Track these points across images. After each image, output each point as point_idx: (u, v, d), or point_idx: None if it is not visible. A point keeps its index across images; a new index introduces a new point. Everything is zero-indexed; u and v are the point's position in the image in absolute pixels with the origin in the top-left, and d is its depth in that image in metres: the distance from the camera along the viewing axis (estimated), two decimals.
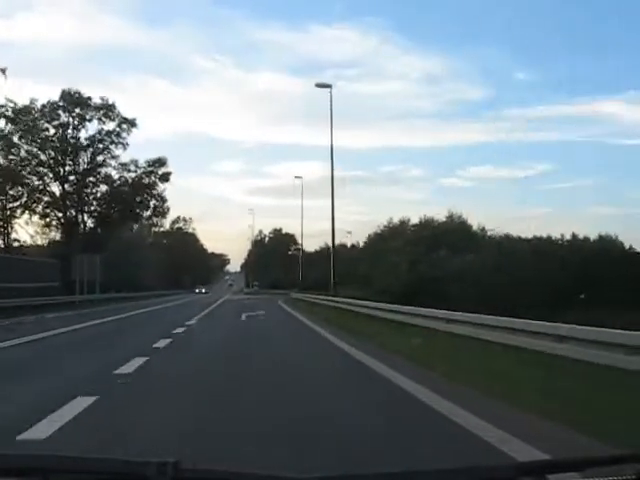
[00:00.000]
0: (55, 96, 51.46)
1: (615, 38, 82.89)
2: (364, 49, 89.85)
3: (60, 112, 51.58)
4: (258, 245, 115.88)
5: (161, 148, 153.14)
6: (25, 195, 51.34)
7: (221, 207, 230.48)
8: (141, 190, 56.40)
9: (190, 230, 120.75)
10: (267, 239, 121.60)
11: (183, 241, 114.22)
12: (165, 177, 56.95)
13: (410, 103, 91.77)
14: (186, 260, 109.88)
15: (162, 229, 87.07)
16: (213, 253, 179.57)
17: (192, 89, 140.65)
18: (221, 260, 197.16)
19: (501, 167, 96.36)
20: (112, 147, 53.69)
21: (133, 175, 56.12)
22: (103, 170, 54.68)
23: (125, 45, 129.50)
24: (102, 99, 52.41)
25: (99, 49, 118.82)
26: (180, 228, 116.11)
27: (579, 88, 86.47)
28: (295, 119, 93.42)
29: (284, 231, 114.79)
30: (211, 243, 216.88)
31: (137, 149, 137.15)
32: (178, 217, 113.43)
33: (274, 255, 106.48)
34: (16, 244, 52.06)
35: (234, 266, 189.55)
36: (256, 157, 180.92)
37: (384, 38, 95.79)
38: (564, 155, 79.50)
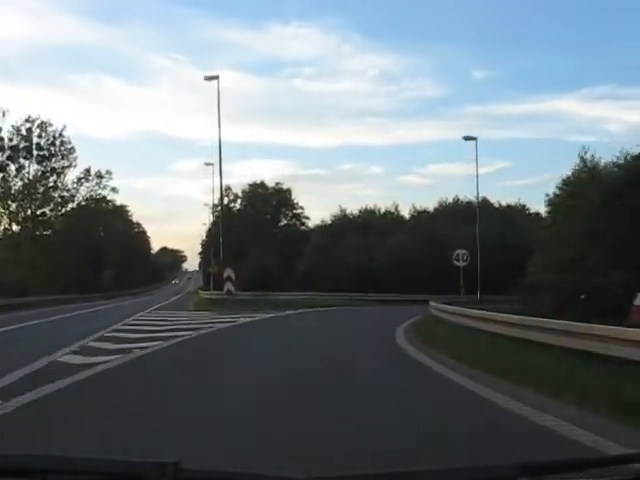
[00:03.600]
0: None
1: (569, 36, 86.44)
2: (323, 48, 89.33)
3: None
4: (224, 218, 64.15)
5: (116, 148, 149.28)
6: None
7: (180, 207, 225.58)
8: None
9: (115, 199, 72.49)
10: (239, 204, 69.48)
11: (98, 218, 69.39)
12: None
13: (368, 101, 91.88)
14: (102, 248, 68.53)
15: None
16: (166, 248, 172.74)
17: (149, 88, 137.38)
18: (177, 257, 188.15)
19: (459, 164, 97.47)
20: None
21: None
22: None
23: (79, 44, 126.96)
24: None
25: (52, 48, 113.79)
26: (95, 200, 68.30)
27: (535, 86, 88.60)
28: (254, 118, 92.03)
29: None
30: (171, 243, 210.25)
31: (89, 149, 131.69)
32: (88, 171, 66.04)
33: (257, 230, 63.25)
34: None
35: (193, 265, 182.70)
36: (215, 156, 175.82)
37: (343, 37, 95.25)
38: (521, 152, 79.86)
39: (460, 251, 33.60)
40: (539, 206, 69.15)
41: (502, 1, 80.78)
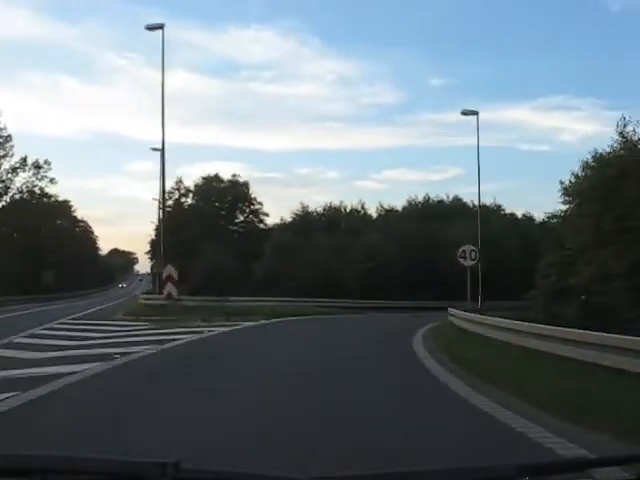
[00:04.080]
0: None
1: (525, 47, 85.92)
2: (281, 51, 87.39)
3: None
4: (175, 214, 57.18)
5: (69, 147, 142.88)
6: None
7: (134, 208, 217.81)
8: None
9: (57, 194, 66.95)
10: (192, 198, 61.58)
11: (37, 213, 61.15)
12: None
13: (326, 106, 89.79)
14: (42, 245, 60.93)
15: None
16: (117, 250, 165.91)
17: (103, 87, 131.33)
18: (129, 259, 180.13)
19: (414, 170, 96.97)
20: None
21: None
22: None
23: (32, 41, 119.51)
24: None
25: (3, 44, 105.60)
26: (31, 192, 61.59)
27: (490, 95, 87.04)
28: (211, 120, 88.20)
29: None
30: (124, 245, 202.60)
31: (39, 147, 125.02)
32: (24, 160, 59.60)
33: (212, 227, 56.05)
34: None
35: (146, 267, 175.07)
36: (170, 158, 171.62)
37: (302, 41, 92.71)
38: (474, 159, 77.96)
39: (467, 247, 27.90)
40: (513, 208, 70.02)
41: (460, 10, 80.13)
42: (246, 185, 59.61)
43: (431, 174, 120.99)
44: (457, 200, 64.07)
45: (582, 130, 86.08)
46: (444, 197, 63.67)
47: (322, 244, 47.67)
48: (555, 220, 27.55)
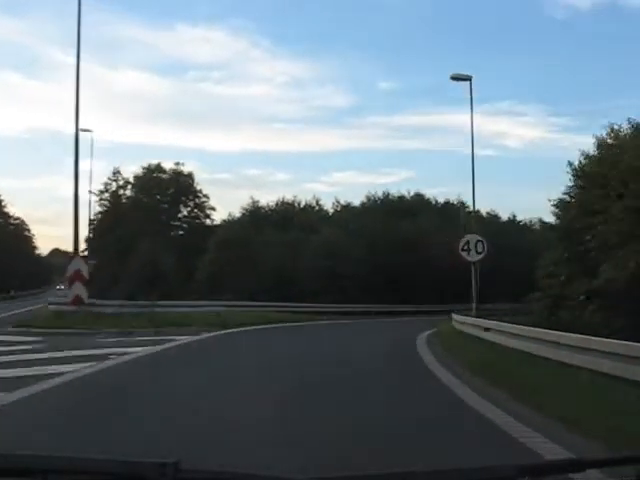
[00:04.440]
0: None
1: (471, 52, 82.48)
2: (232, 51, 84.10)
3: None
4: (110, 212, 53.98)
5: (11, 145, 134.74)
6: None
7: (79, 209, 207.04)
8: None
9: None
10: (131, 190, 55.61)
11: None
12: None
13: (276, 107, 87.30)
14: None
15: None
16: (58, 250, 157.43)
17: (50, 84, 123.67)
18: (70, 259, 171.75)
19: (364, 173, 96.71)
20: None
21: None
22: None
23: None
24: None
25: None
26: None
27: (439, 99, 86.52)
28: (159, 119, 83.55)
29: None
30: (66, 245, 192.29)
31: None
32: None
33: (152, 222, 50.53)
34: None
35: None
36: (118, 157, 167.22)
37: (253, 41, 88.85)
38: (424, 163, 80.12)
39: (471, 237, 21.97)
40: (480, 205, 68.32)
41: (409, 15, 78.57)
42: (190, 176, 54.11)
43: (381, 177, 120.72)
44: (418, 196, 59.65)
45: (527, 135, 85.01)
46: (405, 193, 59.15)
47: (274, 240, 42.68)
48: (558, 209, 22.91)
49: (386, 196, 59.33)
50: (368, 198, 59.50)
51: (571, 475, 1.70)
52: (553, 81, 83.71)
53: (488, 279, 52.89)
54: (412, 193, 59.34)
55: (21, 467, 1.57)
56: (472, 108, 24.51)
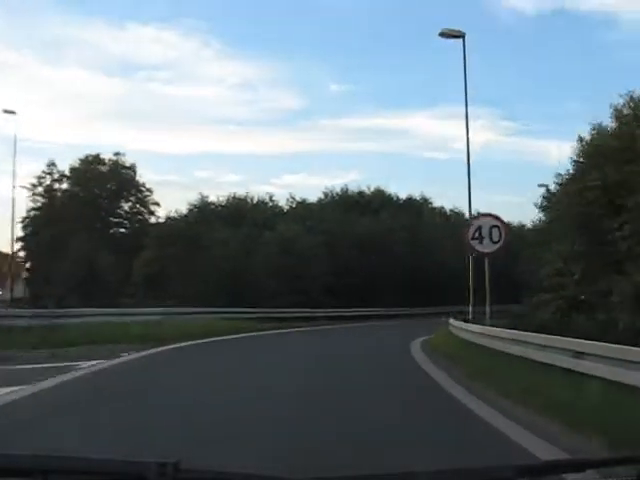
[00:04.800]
0: None
1: (423, 54, 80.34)
2: (182, 52, 79.85)
3: None
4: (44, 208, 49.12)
5: None
6: None
7: (17, 212, 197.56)
8: None
9: None
10: (67, 183, 50.52)
11: None
12: None
13: (227, 109, 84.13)
14: None
15: None
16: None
17: None
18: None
19: (315, 175, 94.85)
20: None
21: None
22: None
23: None
24: None
25: None
26: None
27: (389, 102, 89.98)
28: (107, 120, 78.67)
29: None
30: (6, 249, 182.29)
31: None
32: None
33: (90, 218, 46.14)
34: None
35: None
36: (63, 159, 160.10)
37: (203, 42, 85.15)
38: (374, 165, 79.07)
39: (484, 221, 16.18)
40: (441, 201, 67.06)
41: (360, 17, 78.39)
42: (133, 168, 49.35)
43: (332, 179, 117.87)
44: (379, 192, 55.95)
45: (478, 139, 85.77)
46: (364, 189, 55.40)
47: (225, 237, 38.50)
48: (557, 197, 19.39)
49: (344, 192, 55.68)
50: (325, 194, 55.83)
51: (571, 475, 1.68)
52: (503, 85, 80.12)
53: (456, 281, 49.77)
54: (372, 188, 55.66)
55: (21, 467, 1.57)
56: (465, 69, 20.41)
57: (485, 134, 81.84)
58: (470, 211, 21.02)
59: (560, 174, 22.51)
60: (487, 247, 15.97)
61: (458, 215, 57.20)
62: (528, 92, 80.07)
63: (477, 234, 15.64)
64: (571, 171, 20.19)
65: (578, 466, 1.71)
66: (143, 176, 50.27)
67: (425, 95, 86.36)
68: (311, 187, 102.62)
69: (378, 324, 32.89)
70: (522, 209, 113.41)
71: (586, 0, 78.14)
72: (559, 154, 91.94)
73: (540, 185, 28.60)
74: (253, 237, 39.50)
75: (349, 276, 39.00)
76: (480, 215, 18.62)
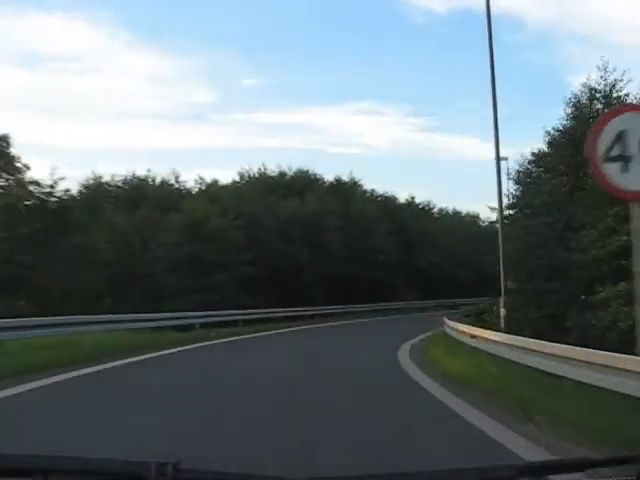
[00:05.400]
0: None
1: (338, 53, 79.52)
2: (90, 43, 72.38)
3: None
4: None
5: None
6: None
7: None
8: None
9: None
10: None
11: None
12: None
13: (136, 102, 77.60)
14: None
15: None
16: None
17: None
18: None
19: (224, 170, 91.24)
20: None
21: None
22: None
23: None
24: None
25: None
26: None
27: (300, 97, 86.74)
28: (9, 113, 69.64)
29: None
30: None
31: None
32: None
33: None
34: None
35: None
36: None
37: (112, 33, 77.99)
38: (286, 161, 76.35)
39: (629, 119, 5.97)
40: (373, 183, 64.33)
41: (274, 14, 76.12)
42: (5, 139, 40.42)
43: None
44: (302, 173, 48.85)
45: (387, 135, 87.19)
46: (285, 169, 48.19)
47: (117, 222, 30.67)
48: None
49: (262, 173, 48.35)
50: (241, 175, 48.40)
51: (571, 475, 1.67)
52: (412, 82, 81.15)
53: (397, 273, 43.30)
54: (294, 169, 48.58)
55: (21, 467, 1.57)
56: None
57: (393, 130, 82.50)
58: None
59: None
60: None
61: (389, 200, 51.24)
62: (439, 89, 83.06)
63: (615, 149, 6.16)
64: None
65: (578, 466, 1.70)
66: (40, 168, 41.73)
67: (336, 91, 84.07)
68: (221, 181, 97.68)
69: (317, 329, 26.23)
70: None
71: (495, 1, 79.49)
72: (472, 150, 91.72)
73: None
74: (154, 220, 31.83)
75: (272, 268, 32.04)
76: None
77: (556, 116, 21.58)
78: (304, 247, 36.18)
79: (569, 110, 20.56)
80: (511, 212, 28.60)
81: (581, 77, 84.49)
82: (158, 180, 42.62)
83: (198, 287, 26.98)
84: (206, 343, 18.44)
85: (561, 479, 1.66)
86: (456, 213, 57.58)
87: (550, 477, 1.65)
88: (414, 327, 25.22)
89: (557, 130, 20.96)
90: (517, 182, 25.66)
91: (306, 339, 21.58)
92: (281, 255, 33.74)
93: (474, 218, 59.22)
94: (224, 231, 30.09)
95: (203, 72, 79.27)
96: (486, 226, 60.89)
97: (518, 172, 25.52)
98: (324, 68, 79.42)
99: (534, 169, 25.02)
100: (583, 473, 1.72)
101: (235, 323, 24.75)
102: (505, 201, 26.26)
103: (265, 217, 35.94)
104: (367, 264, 39.23)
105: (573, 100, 20.55)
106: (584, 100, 20.22)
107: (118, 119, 79.61)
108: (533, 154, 25.02)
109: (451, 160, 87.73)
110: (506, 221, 28.54)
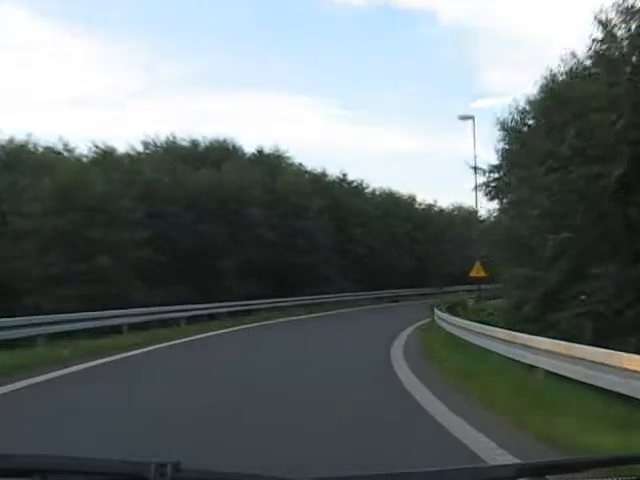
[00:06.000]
0: None
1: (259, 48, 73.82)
2: None
3: None
4: None
5: None
6: None
7: None
8: None
9: None
10: None
11: None
12: None
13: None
14: None
15: None
16: None
17: None
18: None
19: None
20: None
21: None
22: None
23: None
24: None
25: None
26: None
27: (223, 84, 78.82)
28: None
29: None
30: None
31: None
32: None
33: None
34: None
35: None
36: None
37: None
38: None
39: None
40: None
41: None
42: None
43: None
44: (218, 143, 41.03)
45: (312, 124, 78.72)
46: (199, 138, 40.27)
47: None
48: None
49: (171, 142, 40.26)
50: (145, 143, 40.17)
51: (571, 475, 1.62)
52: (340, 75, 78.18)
53: (332, 259, 36.37)
54: (209, 139, 40.75)
55: (21, 467, 1.55)
56: None
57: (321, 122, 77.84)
58: None
59: None
60: None
61: (321, 177, 44.18)
62: (361, 82, 79.19)
63: None
64: None
65: (578, 466, 1.67)
66: None
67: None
68: None
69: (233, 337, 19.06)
70: None
71: None
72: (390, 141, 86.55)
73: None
74: (21, 188, 23.71)
75: (178, 251, 24.62)
76: None
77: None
78: (221, 226, 28.85)
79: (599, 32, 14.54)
80: (496, 175, 22.23)
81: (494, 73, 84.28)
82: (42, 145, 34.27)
83: (69, 275, 19.21)
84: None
85: (561, 479, 1.62)
86: (391, 194, 50.94)
87: (550, 477, 1.60)
88: (370, 331, 18.86)
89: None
90: (509, 131, 19.40)
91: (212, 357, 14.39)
92: (190, 235, 26.29)
93: (411, 199, 52.95)
94: (110, 201, 22.30)
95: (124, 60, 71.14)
96: (423, 209, 55.48)
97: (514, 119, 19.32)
98: (242, 62, 74.18)
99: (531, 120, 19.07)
100: (583, 473, 1.63)
101: (119, 328, 17.15)
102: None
103: (171, 189, 28.36)
104: (299, 249, 32.20)
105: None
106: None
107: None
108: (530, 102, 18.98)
109: (379, 147, 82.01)
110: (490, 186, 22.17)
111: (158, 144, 39.23)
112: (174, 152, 37.60)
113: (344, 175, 45.63)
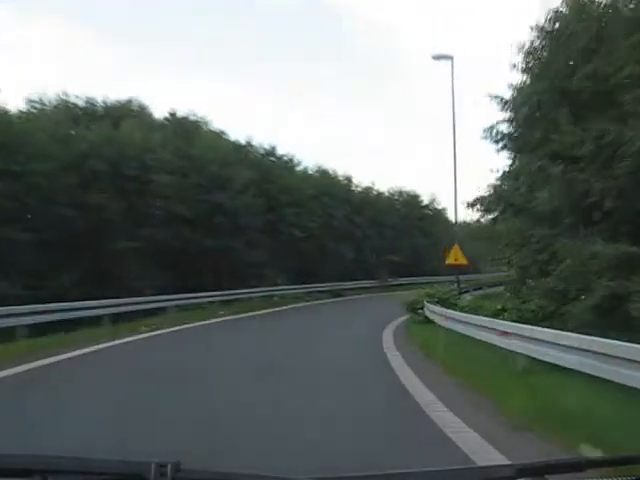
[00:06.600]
0: None
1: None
2: None
3: None
4: None
5: None
6: None
7: None
8: None
9: None
10: None
11: None
12: None
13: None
14: None
15: None
16: None
17: None
18: None
19: None
20: None
21: None
22: None
23: None
24: None
25: None
26: None
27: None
28: None
29: None
30: None
31: None
32: None
33: None
34: None
35: None
36: None
37: None
38: None
39: None
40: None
41: None
42: None
43: None
44: (120, 103, 33.41)
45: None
46: (97, 97, 32.52)
47: None
48: None
49: (62, 102, 32.43)
50: (30, 101, 32.23)
51: (571, 475, 1.63)
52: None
53: (259, 244, 30.05)
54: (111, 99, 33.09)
55: (21, 467, 1.54)
56: None
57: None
58: None
59: None
60: None
61: (246, 147, 37.15)
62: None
63: None
64: None
65: (578, 466, 1.66)
66: None
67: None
68: None
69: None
70: None
71: None
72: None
73: None
74: None
75: (57, 228, 17.53)
76: None
77: None
78: (114, 197, 21.69)
79: None
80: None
81: None
82: None
83: None
84: None
85: (561, 479, 1.61)
86: (326, 173, 44.34)
87: (550, 477, 1.61)
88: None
89: None
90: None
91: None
92: (69, 205, 19.09)
93: (347, 181, 46.52)
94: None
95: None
96: (360, 192, 49.48)
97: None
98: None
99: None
100: (583, 473, 1.62)
101: None
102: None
103: (44, 144, 20.96)
104: (219, 230, 25.30)
105: None
106: None
107: None
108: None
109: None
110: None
111: (46, 102, 31.61)
112: (65, 111, 30.03)
113: (272, 147, 38.68)
